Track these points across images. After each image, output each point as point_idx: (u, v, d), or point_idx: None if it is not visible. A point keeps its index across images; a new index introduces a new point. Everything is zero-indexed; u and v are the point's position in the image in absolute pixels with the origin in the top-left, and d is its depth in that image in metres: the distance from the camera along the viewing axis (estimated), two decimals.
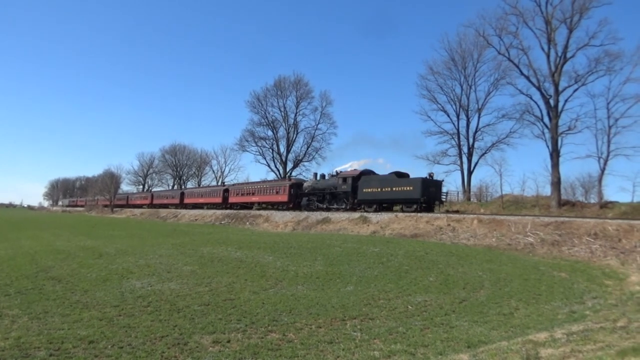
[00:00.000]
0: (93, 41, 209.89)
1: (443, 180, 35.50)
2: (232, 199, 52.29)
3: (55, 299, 10.49)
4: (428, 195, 30.17)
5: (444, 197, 34.69)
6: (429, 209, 30.85)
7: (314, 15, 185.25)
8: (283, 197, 43.15)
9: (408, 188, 30.33)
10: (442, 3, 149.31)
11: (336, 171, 39.34)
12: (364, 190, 33.30)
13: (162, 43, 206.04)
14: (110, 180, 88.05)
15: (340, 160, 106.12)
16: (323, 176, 40.49)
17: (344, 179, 35.95)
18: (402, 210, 31.01)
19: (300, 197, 40.93)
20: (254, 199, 48.12)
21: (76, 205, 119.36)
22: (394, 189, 31.23)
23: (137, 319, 8.82)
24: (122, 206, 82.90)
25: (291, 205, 41.92)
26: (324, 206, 37.53)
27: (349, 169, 38.65)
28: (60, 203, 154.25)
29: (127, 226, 41.81)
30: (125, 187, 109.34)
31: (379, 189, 32.20)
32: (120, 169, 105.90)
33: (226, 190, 54.69)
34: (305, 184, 41.68)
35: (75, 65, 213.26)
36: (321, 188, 38.67)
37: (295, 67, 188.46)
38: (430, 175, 32.04)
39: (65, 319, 8.73)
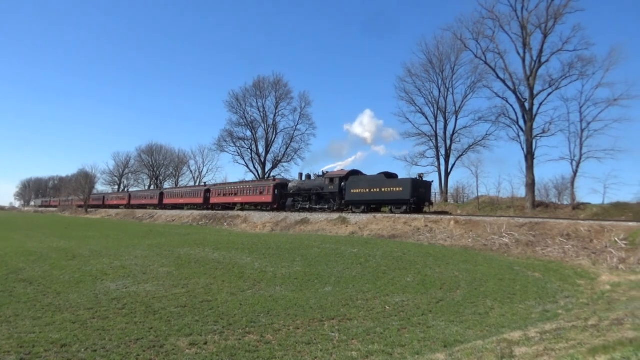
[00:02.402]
0: (66, 37, 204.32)
1: (432, 181, 35.38)
2: (213, 200, 51.39)
3: (26, 302, 10.24)
4: (418, 196, 29.76)
5: None
6: (419, 210, 30.46)
7: (299, 15, 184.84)
8: (267, 198, 42.46)
9: (398, 189, 29.98)
10: (428, 5, 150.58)
11: (323, 171, 38.75)
12: (352, 191, 32.88)
13: (139, 41, 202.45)
14: (85, 180, 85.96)
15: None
16: (309, 176, 39.83)
17: (331, 180, 35.35)
18: (391, 212, 30.62)
19: (285, 197, 40.24)
20: (237, 199, 47.31)
21: (49, 206, 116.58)
22: (383, 189, 30.87)
23: (111, 322, 8.67)
24: (98, 207, 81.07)
25: (275, 206, 41.18)
26: (309, 207, 36.92)
27: (336, 169, 38.41)
28: (32, 203, 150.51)
29: (102, 227, 41.01)
30: (101, 187, 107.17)
31: (368, 190, 31.81)
32: (95, 169, 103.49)
33: (208, 191, 53.70)
34: (290, 185, 40.94)
35: (47, 61, 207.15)
36: (307, 189, 38.05)
37: (276, 67, 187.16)
38: (420, 176, 31.98)
39: (37, 322, 8.53)
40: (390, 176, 32.40)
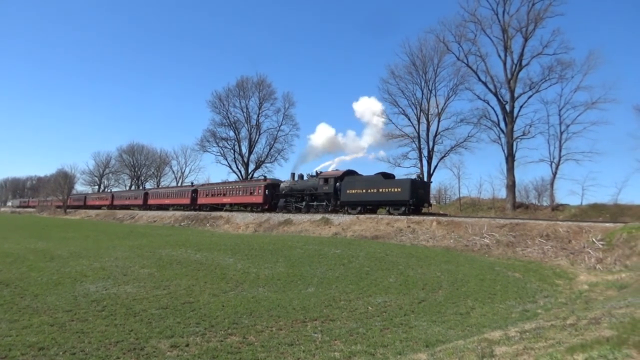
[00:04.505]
0: (43, 30, 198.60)
1: (431, 182, 35.05)
2: (201, 200, 50.38)
3: (2, 304, 10.00)
4: (417, 197, 29.28)
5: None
6: (417, 211, 30.09)
7: (288, 13, 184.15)
8: (258, 199, 41.58)
9: (396, 189, 29.40)
10: (425, 6, 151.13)
11: (316, 171, 38.04)
12: (348, 191, 32.17)
13: (121, 37, 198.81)
14: (64, 180, 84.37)
15: None
16: (301, 176, 39.09)
17: (326, 180, 34.58)
18: (389, 213, 30.21)
19: (277, 198, 39.50)
20: (226, 200, 46.36)
21: (27, 206, 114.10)
22: (381, 190, 30.28)
23: (90, 324, 8.53)
24: (79, 207, 79.61)
25: (266, 207, 40.37)
26: (303, 206, 36.28)
27: (330, 169, 37.94)
28: (9, 204, 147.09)
29: (82, 228, 40.35)
30: (80, 188, 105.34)
31: (364, 190, 31.20)
32: (74, 169, 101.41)
33: (195, 191, 52.46)
34: (282, 185, 40.23)
35: (24, 55, 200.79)
36: (300, 189, 37.36)
37: (261, 66, 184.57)
38: (419, 176, 31.85)
39: (14, 325, 8.34)
40: (388, 176, 32.07)
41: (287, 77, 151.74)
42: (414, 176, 31.76)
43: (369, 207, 32.08)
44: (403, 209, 29.28)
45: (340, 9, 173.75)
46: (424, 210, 30.99)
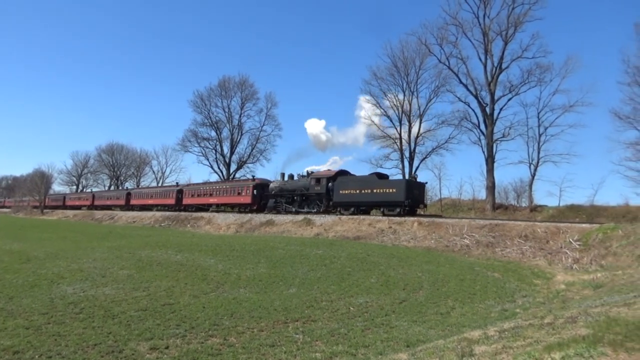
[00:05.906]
0: (19, 27, 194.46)
1: (427, 183, 34.79)
2: (186, 200, 49.50)
3: None
4: (412, 198, 28.85)
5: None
6: (412, 212, 29.76)
7: (268, 11, 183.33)
8: (246, 199, 40.83)
9: (391, 190, 28.93)
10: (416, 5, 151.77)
11: (307, 171, 37.31)
12: (341, 192, 31.50)
13: (101, 35, 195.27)
14: (41, 179, 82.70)
15: None
16: (292, 177, 38.27)
17: (318, 180, 33.84)
18: (383, 214, 29.65)
19: (266, 198, 38.72)
20: (212, 200, 45.53)
21: (3, 207, 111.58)
22: (375, 190, 29.78)
23: (67, 327, 8.37)
24: (58, 207, 78.02)
25: (255, 208, 39.68)
26: (294, 209, 35.58)
27: (322, 169, 37.52)
28: None
29: (59, 228, 39.59)
30: (58, 188, 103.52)
31: (358, 191, 30.62)
32: (51, 168, 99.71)
33: (180, 191, 51.55)
34: (271, 185, 39.35)
35: None
36: (290, 189, 36.57)
37: (242, 66, 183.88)
38: (414, 177, 31.66)
39: None
40: (382, 177, 31.80)
41: (272, 76, 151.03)
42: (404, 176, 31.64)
43: (363, 207, 31.44)
44: (398, 210, 28.78)
45: (329, 9, 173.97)
46: (419, 211, 30.72)
